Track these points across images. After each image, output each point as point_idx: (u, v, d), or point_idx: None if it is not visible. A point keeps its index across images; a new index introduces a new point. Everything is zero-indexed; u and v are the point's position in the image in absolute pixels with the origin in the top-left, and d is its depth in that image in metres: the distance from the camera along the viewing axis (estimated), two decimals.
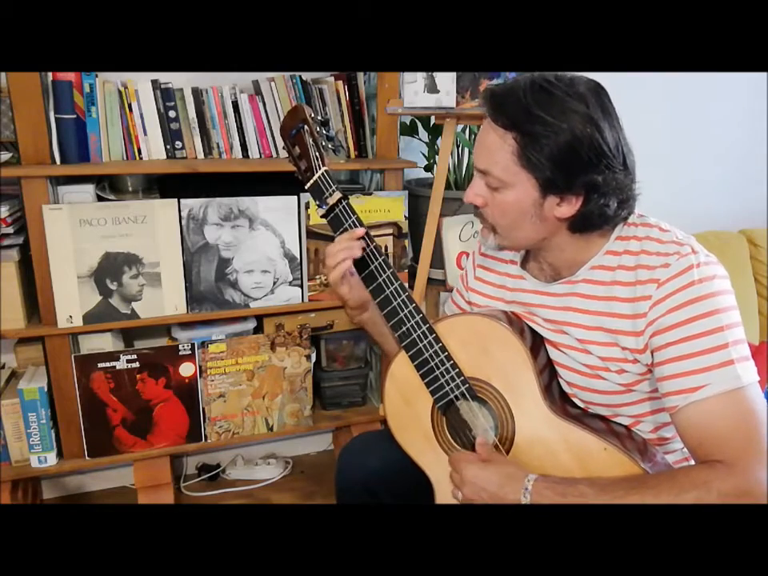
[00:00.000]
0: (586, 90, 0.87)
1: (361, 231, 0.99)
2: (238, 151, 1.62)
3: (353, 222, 1.01)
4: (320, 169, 1.03)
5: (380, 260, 0.99)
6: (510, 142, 0.87)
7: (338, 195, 1.01)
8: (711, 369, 0.82)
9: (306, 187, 1.05)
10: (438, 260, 1.61)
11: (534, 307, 1.01)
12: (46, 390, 1.49)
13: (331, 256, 1.00)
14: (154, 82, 1.52)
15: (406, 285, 1.00)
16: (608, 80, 1.69)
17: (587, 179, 0.86)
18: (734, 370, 0.81)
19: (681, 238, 0.90)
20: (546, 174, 0.87)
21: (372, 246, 1.00)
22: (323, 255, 1.64)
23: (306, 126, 1.04)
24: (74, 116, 1.44)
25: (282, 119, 1.46)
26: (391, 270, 0.99)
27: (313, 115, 1.05)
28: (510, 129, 0.87)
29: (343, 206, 1.02)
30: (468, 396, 0.96)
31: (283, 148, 1.09)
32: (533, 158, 0.86)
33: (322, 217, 1.04)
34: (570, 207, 0.89)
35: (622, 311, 0.90)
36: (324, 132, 1.07)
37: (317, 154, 1.03)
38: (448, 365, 0.96)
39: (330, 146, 1.07)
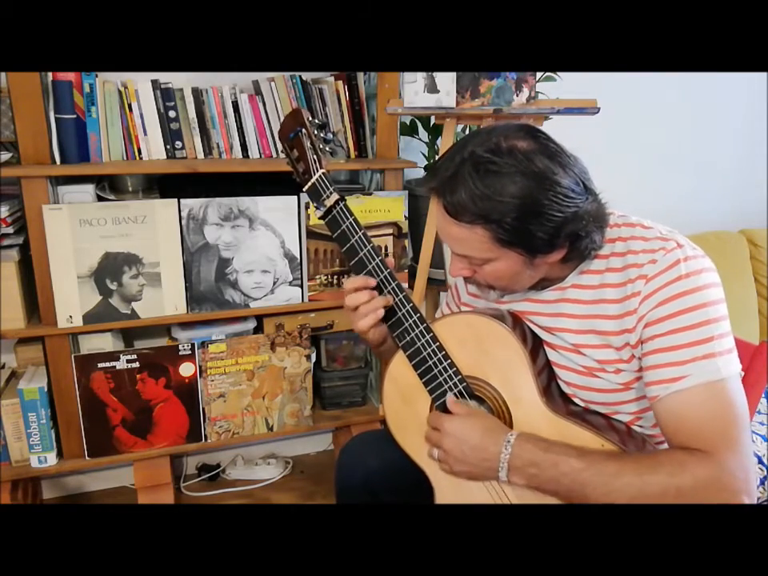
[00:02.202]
0: (526, 146, 0.85)
1: (372, 281, 0.98)
2: (238, 151, 1.62)
3: (350, 223, 1.01)
4: (318, 171, 1.03)
5: (377, 260, 1.00)
6: (479, 232, 0.86)
7: (335, 197, 1.02)
8: (694, 361, 0.83)
9: (303, 189, 1.06)
10: (438, 260, 1.61)
11: (526, 314, 1.01)
12: (46, 389, 1.49)
13: (354, 311, 0.99)
14: (154, 82, 1.52)
15: (405, 285, 1.01)
16: (608, 80, 1.71)
17: (567, 232, 0.86)
18: (715, 363, 0.82)
19: (665, 233, 0.91)
20: (527, 245, 0.87)
21: (369, 247, 1.00)
22: (323, 255, 1.66)
23: (303, 130, 1.05)
24: (74, 116, 1.44)
25: (281, 120, 1.46)
26: (389, 271, 1.00)
27: (310, 119, 1.06)
28: (475, 222, 0.85)
29: (341, 208, 1.02)
30: (465, 395, 0.97)
31: (281, 151, 1.10)
32: (508, 239, 0.86)
33: (319, 218, 1.05)
34: (559, 253, 0.89)
35: (612, 312, 0.91)
36: (322, 135, 1.08)
37: (314, 156, 1.04)
38: (445, 363, 0.96)
39: (327, 148, 1.08)
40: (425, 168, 1.83)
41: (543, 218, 0.84)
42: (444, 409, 0.99)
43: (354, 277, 1.00)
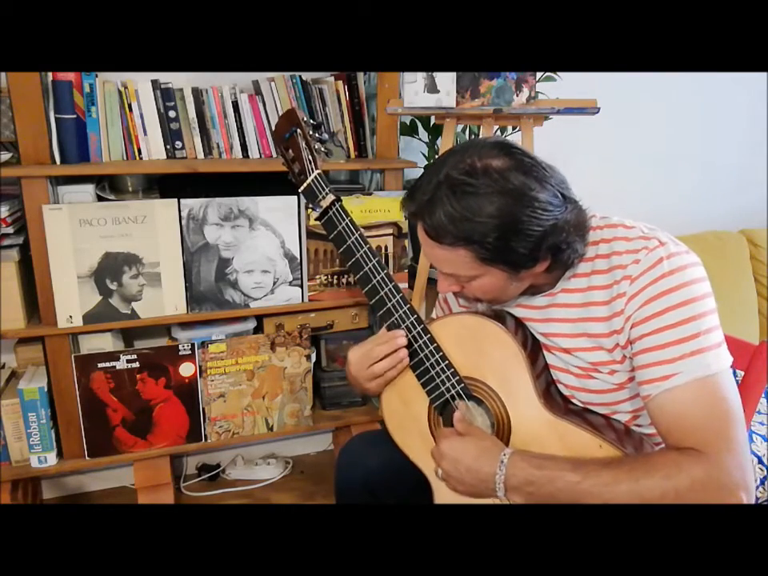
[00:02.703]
0: (501, 165, 0.85)
1: (401, 334, 0.98)
2: (238, 151, 1.62)
3: (347, 224, 1.01)
4: (313, 172, 1.03)
5: (374, 262, 1.00)
6: (461, 253, 0.87)
7: (330, 198, 1.02)
8: (683, 358, 0.83)
9: (299, 190, 1.06)
10: None
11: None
12: (46, 389, 1.49)
13: (375, 365, 1.00)
14: (154, 82, 1.52)
15: (403, 286, 1.01)
16: (609, 80, 1.71)
17: (548, 245, 0.86)
18: (705, 358, 0.83)
19: (647, 232, 0.91)
20: (510, 262, 0.87)
21: (366, 248, 1.00)
22: (323, 255, 1.66)
23: (298, 130, 1.05)
24: (74, 116, 1.44)
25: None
26: (385, 272, 0.99)
27: (305, 119, 1.06)
28: (456, 244, 0.86)
29: (336, 209, 1.02)
30: (464, 395, 0.97)
31: (277, 151, 1.10)
32: (491, 257, 0.86)
33: (316, 219, 1.05)
34: (543, 265, 0.90)
35: (600, 314, 0.91)
36: (317, 135, 1.07)
37: (310, 157, 1.04)
38: (443, 365, 0.96)
39: (323, 149, 1.07)
40: (425, 168, 1.83)
41: (523, 234, 0.84)
42: (442, 411, 0.99)
43: (357, 347, 1.02)
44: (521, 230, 0.84)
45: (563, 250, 0.88)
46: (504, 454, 0.89)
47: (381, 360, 0.99)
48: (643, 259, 0.87)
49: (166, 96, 1.53)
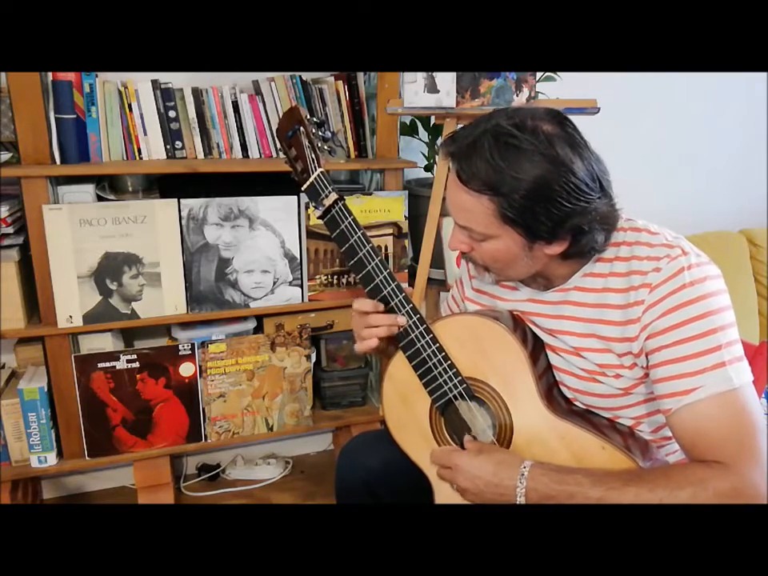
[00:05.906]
0: (551, 130, 0.84)
1: (402, 320, 0.97)
2: (238, 151, 1.62)
3: (349, 223, 1.01)
4: (316, 170, 1.03)
5: (376, 261, 0.99)
6: (485, 203, 0.85)
7: (334, 196, 1.01)
8: (704, 371, 0.82)
9: (302, 189, 1.05)
10: (438, 260, 1.61)
11: (529, 315, 1.01)
12: (46, 390, 1.49)
13: (365, 329, 0.99)
14: (154, 82, 1.52)
15: (404, 285, 1.00)
16: (608, 80, 1.71)
17: (571, 224, 0.85)
18: (726, 372, 0.81)
19: (671, 240, 0.89)
20: (529, 228, 0.86)
21: (369, 247, 1.00)
22: (323, 255, 1.66)
23: (301, 128, 1.04)
24: (74, 116, 1.44)
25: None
26: (388, 271, 0.99)
27: (309, 117, 1.05)
28: (483, 192, 0.85)
29: (339, 207, 1.01)
30: (466, 396, 0.97)
31: (280, 149, 1.09)
32: (512, 216, 0.85)
33: (318, 218, 1.04)
34: (559, 246, 0.88)
35: (614, 318, 0.90)
36: (320, 133, 1.07)
37: (313, 155, 1.03)
38: (445, 365, 0.96)
39: (326, 147, 1.07)
40: (425, 168, 1.83)
41: (551, 204, 0.83)
42: (444, 411, 0.99)
43: (365, 300, 1.00)
44: (550, 198, 0.83)
45: (584, 233, 0.86)
46: (524, 467, 0.87)
47: (374, 328, 0.98)
48: (664, 268, 0.86)
49: (166, 96, 1.53)
